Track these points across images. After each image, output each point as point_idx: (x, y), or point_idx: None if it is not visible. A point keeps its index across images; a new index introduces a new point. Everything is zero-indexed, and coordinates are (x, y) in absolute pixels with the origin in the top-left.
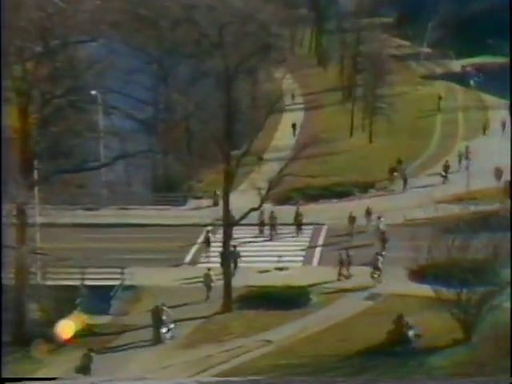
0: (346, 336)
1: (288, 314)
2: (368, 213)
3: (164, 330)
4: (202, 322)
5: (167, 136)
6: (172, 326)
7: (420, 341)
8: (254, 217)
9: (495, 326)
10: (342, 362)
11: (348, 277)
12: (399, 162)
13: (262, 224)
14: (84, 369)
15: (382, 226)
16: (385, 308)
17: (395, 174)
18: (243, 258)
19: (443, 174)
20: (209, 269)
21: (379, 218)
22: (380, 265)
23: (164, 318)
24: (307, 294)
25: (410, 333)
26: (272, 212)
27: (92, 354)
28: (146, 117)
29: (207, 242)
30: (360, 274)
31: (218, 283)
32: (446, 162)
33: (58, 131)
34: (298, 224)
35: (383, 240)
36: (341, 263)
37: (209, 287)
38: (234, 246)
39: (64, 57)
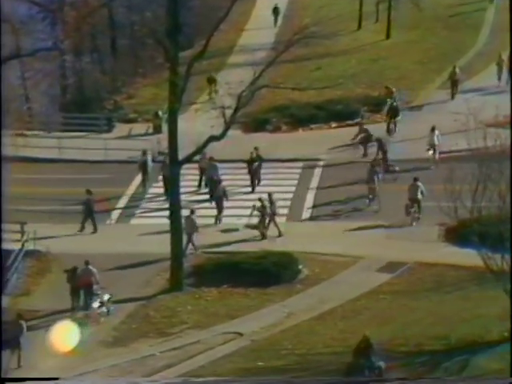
0: (351, 326)
1: (266, 293)
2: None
3: (95, 304)
4: (139, 306)
5: (80, 28)
6: (106, 297)
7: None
8: (215, 148)
9: None
10: (344, 362)
11: (265, 235)
12: None
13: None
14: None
15: (437, 141)
16: (409, 284)
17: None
18: (198, 212)
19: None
20: (192, 211)
21: (433, 129)
22: (420, 195)
23: (94, 285)
24: (295, 263)
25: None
26: (203, 158)
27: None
28: None
29: (144, 185)
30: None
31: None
32: None
33: None
34: (253, 176)
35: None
36: (260, 216)
37: (190, 236)
38: (219, 181)
39: None
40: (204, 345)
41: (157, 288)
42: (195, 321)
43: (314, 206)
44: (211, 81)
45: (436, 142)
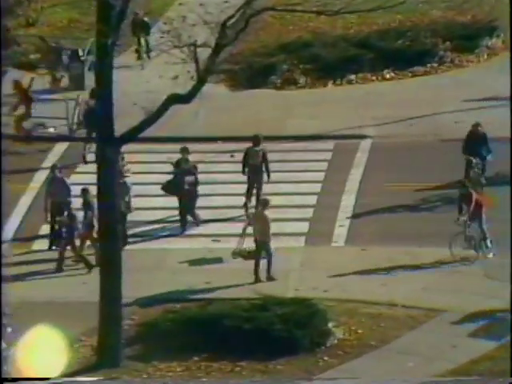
0: None
1: (269, 369)
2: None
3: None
4: None
5: None
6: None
7: None
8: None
9: None
10: None
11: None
12: None
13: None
14: None
15: None
16: None
17: None
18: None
19: None
20: (266, 202)
21: None
22: None
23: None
24: (320, 318)
25: None
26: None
27: None
28: None
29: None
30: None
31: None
32: None
33: None
34: (181, 202)
35: None
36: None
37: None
38: (194, 167)
39: None
40: None
41: (75, 362)
42: None
43: (354, 217)
44: (138, 28)
45: None
